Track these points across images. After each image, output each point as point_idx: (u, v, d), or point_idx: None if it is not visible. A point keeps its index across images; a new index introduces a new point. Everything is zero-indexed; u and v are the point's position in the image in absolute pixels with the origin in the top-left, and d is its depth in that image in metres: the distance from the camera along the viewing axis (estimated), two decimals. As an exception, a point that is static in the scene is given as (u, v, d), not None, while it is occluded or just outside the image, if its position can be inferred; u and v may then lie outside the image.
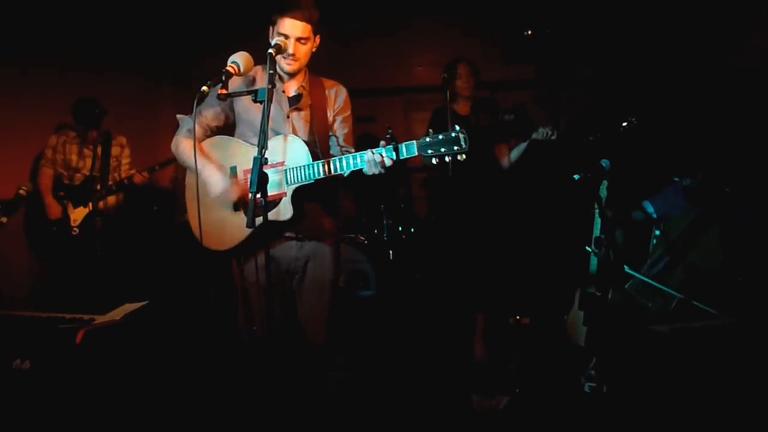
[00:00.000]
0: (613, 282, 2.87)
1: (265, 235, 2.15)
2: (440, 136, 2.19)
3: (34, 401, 1.99)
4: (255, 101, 2.29)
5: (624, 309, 2.91)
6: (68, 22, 4.54)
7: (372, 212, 4.97)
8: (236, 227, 2.36)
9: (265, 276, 2.08)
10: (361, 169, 2.27)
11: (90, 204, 3.79)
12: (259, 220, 2.02)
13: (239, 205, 2.42)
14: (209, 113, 2.53)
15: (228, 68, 2.34)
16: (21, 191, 2.94)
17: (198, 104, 2.17)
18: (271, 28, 2.50)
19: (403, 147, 2.23)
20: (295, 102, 2.57)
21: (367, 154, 2.23)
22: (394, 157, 2.22)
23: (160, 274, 4.09)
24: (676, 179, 3.16)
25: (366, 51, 5.94)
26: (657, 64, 4.96)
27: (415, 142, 2.22)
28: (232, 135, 2.57)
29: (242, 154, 2.46)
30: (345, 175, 2.30)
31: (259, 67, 2.52)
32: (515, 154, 3.75)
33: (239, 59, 2.36)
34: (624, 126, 3.12)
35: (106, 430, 2.12)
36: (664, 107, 4.31)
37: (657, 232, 3.14)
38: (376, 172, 2.24)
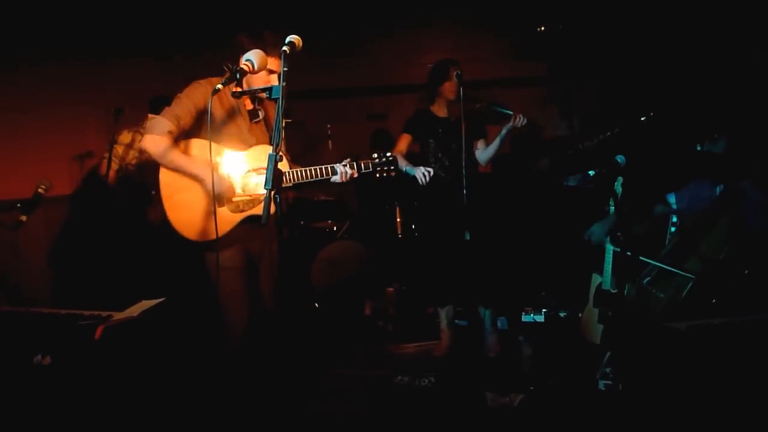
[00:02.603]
0: (628, 278, 2.85)
1: (247, 226, 2.65)
2: (383, 159, 2.83)
3: (54, 396, 2.02)
4: (269, 99, 2.36)
5: (639, 305, 2.90)
6: (103, 16, 4.59)
7: (385, 210, 4.99)
8: (223, 220, 2.61)
9: (241, 259, 2.68)
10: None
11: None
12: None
13: (223, 200, 2.65)
14: (187, 114, 2.61)
15: (242, 66, 2.39)
16: (40, 190, 2.97)
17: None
18: (247, 41, 2.61)
19: (361, 164, 2.83)
20: (254, 116, 2.80)
21: (339, 168, 2.75)
22: (356, 174, 2.80)
23: (173, 270, 4.12)
24: (699, 148, 3.13)
25: (379, 49, 5.94)
26: (679, 59, 4.90)
27: (370, 162, 2.83)
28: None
29: (224, 155, 2.69)
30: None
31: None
32: (494, 146, 3.73)
33: (254, 57, 2.39)
34: (643, 120, 3.11)
35: (124, 425, 2.14)
36: (685, 102, 4.26)
37: (674, 218, 3.13)
38: (345, 180, 2.77)
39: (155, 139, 2.54)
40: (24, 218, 2.97)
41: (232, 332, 2.73)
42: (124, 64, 4.79)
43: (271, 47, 2.54)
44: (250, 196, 2.68)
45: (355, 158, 2.83)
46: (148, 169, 3.88)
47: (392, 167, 2.83)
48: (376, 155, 2.83)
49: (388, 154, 2.82)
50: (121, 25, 4.78)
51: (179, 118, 2.58)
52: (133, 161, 4.01)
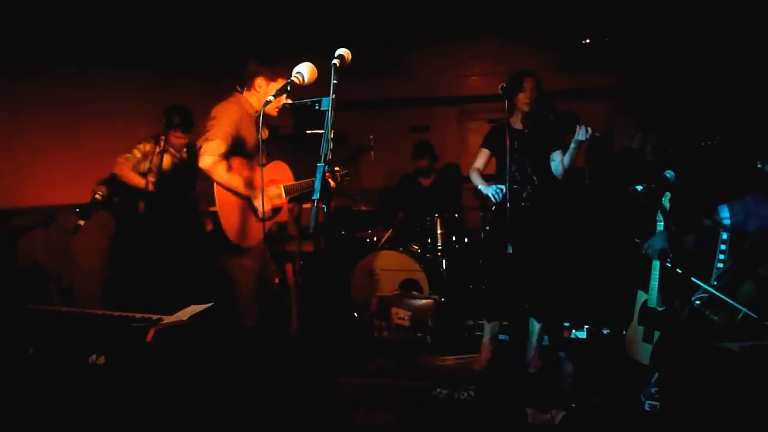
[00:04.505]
0: (677, 297, 2.78)
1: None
2: (344, 172, 3.54)
3: (108, 395, 2.09)
4: (317, 110, 2.41)
5: (690, 324, 2.81)
6: (137, 26, 4.76)
7: (426, 222, 5.00)
8: (258, 229, 3.05)
9: (258, 263, 3.08)
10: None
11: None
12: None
13: (260, 212, 3.01)
14: (231, 133, 2.89)
15: (293, 78, 2.43)
16: (97, 195, 3.10)
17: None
18: (269, 74, 3.00)
19: (338, 176, 3.41)
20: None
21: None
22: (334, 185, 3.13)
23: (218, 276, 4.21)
24: (760, 165, 3.02)
25: (421, 61, 5.99)
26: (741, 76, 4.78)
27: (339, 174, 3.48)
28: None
29: (257, 171, 3.03)
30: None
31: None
32: (567, 158, 3.66)
33: (304, 70, 2.43)
34: (707, 143, 3.03)
35: (173, 425, 2.20)
36: (748, 119, 4.13)
37: (725, 236, 3.01)
38: None
39: (213, 161, 2.79)
40: (82, 222, 3.09)
41: (243, 326, 3.02)
42: (182, 83, 4.95)
43: (278, 72, 2.96)
44: (274, 205, 3.11)
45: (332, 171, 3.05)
46: (184, 175, 4.05)
47: (347, 178, 3.54)
48: (338, 168, 3.40)
49: (345, 170, 3.53)
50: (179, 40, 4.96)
51: (227, 139, 2.84)
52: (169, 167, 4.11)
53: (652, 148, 4.69)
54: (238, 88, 3.04)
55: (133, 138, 4.12)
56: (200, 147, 2.84)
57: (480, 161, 3.82)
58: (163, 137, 3.99)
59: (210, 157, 2.79)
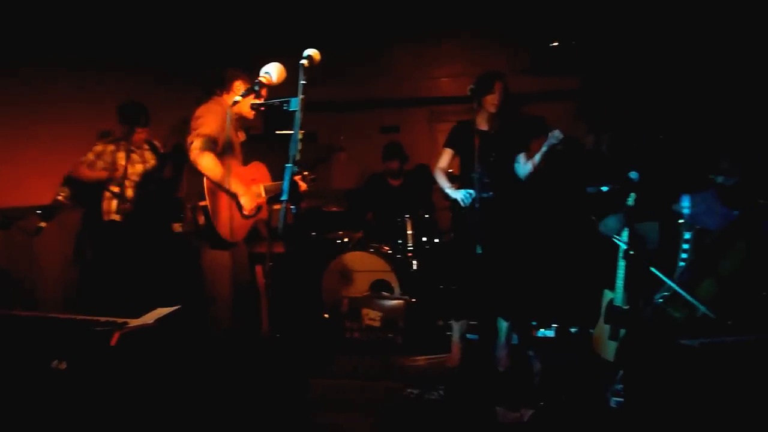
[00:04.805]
0: (641, 295, 2.84)
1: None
2: (311, 176, 3.61)
3: (70, 400, 2.04)
4: (286, 110, 2.40)
5: (652, 321, 2.88)
6: (109, 26, 4.67)
7: (396, 223, 5.01)
8: (243, 226, 3.19)
9: (237, 261, 3.23)
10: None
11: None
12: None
13: (246, 209, 3.14)
14: (218, 133, 2.98)
15: (261, 78, 2.42)
16: (59, 197, 3.03)
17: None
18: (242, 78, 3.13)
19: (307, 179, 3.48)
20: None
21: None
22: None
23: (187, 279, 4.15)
24: (712, 176, 3.11)
25: (392, 62, 6.00)
26: (694, 72, 4.91)
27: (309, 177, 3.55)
28: None
29: (240, 170, 3.21)
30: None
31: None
32: (537, 159, 3.72)
33: (273, 70, 2.42)
34: (651, 142, 3.10)
35: (137, 430, 2.16)
36: (702, 116, 4.26)
37: (687, 236, 3.08)
38: None
39: (207, 157, 2.89)
40: (43, 224, 3.03)
41: (212, 323, 3.11)
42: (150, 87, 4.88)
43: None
44: (256, 203, 3.21)
45: (302, 174, 3.31)
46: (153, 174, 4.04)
47: (315, 181, 3.71)
48: (306, 173, 3.50)
49: (313, 174, 3.68)
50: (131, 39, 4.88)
51: (216, 134, 2.94)
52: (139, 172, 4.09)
53: (608, 148, 4.80)
54: (218, 92, 3.13)
55: (91, 139, 4.10)
56: (191, 142, 2.91)
57: (444, 161, 3.85)
58: (121, 136, 4.00)
59: (201, 150, 2.87)
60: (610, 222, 3.21)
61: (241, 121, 3.28)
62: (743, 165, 3.03)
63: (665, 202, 3.20)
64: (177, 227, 4.04)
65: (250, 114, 3.16)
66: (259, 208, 3.28)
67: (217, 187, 2.98)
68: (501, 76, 3.68)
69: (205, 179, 2.92)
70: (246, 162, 3.37)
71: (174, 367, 2.41)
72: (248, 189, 3.12)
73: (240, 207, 3.10)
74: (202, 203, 2.92)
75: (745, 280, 2.84)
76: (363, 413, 3.26)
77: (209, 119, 2.94)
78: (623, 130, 4.76)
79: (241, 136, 3.32)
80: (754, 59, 4.57)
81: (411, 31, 5.80)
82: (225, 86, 3.14)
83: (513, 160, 3.75)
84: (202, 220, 2.92)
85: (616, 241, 3.19)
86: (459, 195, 3.63)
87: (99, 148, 4.06)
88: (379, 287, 4.71)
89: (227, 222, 3.04)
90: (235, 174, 3.07)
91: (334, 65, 5.55)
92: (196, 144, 2.88)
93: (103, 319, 2.30)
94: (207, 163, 2.89)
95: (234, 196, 3.06)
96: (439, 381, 3.62)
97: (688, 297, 2.81)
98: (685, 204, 3.22)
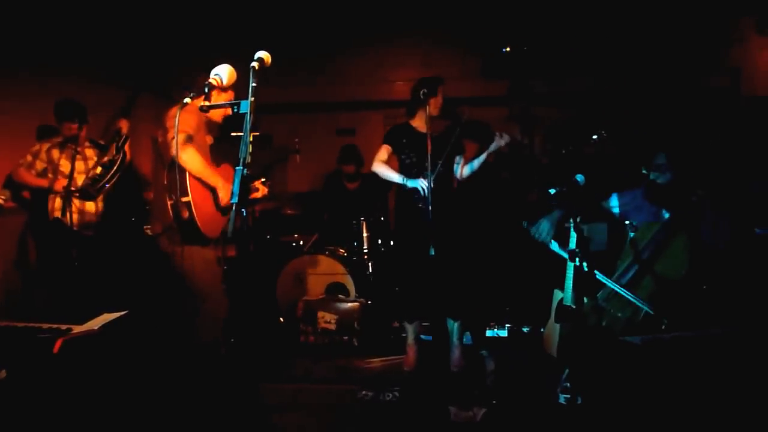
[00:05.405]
0: (586, 294, 2.92)
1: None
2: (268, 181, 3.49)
3: (9, 411, 1.96)
4: (236, 113, 2.37)
5: (595, 320, 2.96)
6: (48, 29, 4.54)
7: (352, 226, 5.01)
8: (219, 223, 3.19)
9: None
10: None
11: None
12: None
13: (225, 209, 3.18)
14: (195, 130, 2.98)
15: (211, 80, 2.40)
16: (0, 200, 2.92)
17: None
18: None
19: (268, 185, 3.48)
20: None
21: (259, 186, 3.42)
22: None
23: (137, 284, 4.05)
24: (645, 171, 3.21)
25: (348, 66, 6.00)
26: (633, 81, 5.14)
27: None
28: None
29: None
30: None
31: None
32: (475, 164, 3.82)
33: (223, 72, 2.40)
34: (595, 139, 3.20)
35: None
36: (640, 120, 4.44)
37: (632, 234, 3.18)
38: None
39: (190, 151, 2.91)
40: (-18, 228, 2.90)
41: (209, 319, 3.12)
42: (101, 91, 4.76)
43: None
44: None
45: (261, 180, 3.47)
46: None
47: (268, 182, 3.62)
48: (264, 179, 3.51)
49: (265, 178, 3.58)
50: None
51: (193, 131, 2.96)
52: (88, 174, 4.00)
53: (545, 151, 4.94)
54: (190, 95, 3.03)
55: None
56: (172, 138, 2.87)
57: (383, 155, 3.89)
58: (60, 135, 3.96)
59: (184, 144, 2.88)
60: (543, 226, 3.29)
61: (208, 125, 3.24)
62: (678, 163, 3.14)
63: (597, 201, 3.30)
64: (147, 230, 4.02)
65: (218, 118, 3.19)
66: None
67: (199, 181, 3.01)
68: (443, 81, 3.78)
69: (188, 174, 2.94)
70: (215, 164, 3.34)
71: (121, 373, 2.35)
72: (225, 183, 3.14)
73: (217, 202, 3.13)
74: (185, 198, 2.92)
75: (683, 277, 2.96)
76: (318, 416, 3.26)
77: (186, 118, 2.92)
78: (557, 132, 4.91)
79: (209, 140, 3.28)
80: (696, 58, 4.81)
81: (365, 33, 5.82)
82: (195, 90, 3.11)
83: (452, 161, 3.84)
84: (186, 215, 2.92)
85: (551, 246, 3.27)
86: (417, 183, 3.66)
87: (36, 148, 4.01)
88: (335, 290, 4.71)
89: (208, 218, 3.06)
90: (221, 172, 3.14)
91: (289, 68, 5.57)
92: (179, 139, 2.86)
93: (45, 325, 2.23)
94: (190, 157, 2.92)
95: (213, 190, 3.09)
96: (394, 382, 3.64)
97: (629, 296, 2.91)
98: (614, 203, 3.34)
